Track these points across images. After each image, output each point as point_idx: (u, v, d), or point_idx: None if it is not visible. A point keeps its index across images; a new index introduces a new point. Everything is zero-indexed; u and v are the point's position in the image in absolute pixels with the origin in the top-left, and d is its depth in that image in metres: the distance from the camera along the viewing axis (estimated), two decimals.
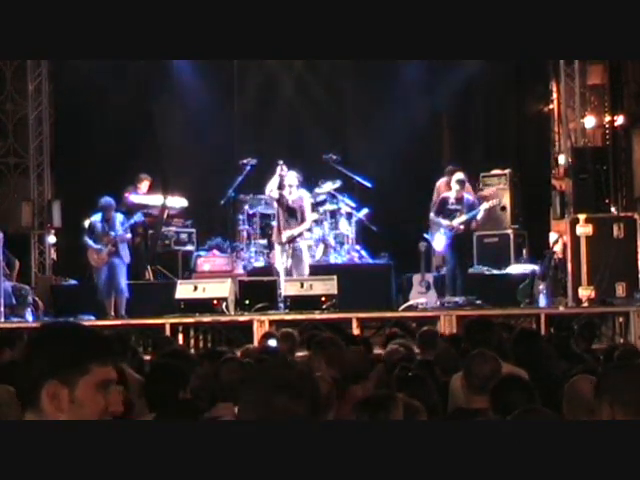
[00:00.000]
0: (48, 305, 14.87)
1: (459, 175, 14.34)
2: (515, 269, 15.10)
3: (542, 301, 13.70)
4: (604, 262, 13.23)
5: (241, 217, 15.66)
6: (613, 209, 14.87)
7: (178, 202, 16.18)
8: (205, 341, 12.95)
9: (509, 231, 15.69)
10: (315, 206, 14.75)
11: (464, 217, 14.08)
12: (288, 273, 13.56)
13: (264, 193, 14.39)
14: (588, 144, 14.98)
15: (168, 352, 7.19)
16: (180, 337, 12.59)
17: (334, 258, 15.12)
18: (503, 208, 15.86)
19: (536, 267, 14.49)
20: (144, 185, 15.85)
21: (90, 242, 13.92)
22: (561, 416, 4.62)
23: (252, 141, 16.62)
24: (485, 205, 14.36)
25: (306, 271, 13.69)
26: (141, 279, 15.33)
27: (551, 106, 16.56)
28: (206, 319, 12.84)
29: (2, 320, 13.38)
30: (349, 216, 15.32)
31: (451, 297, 13.67)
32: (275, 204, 13.94)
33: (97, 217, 14.02)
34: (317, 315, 12.64)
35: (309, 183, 14.85)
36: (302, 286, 13.13)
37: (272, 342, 9.23)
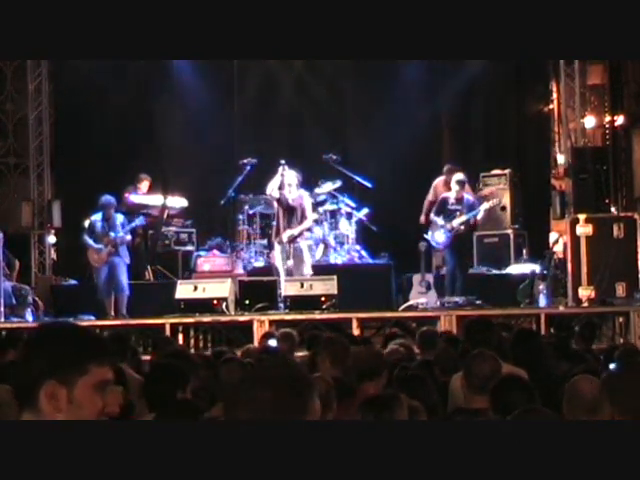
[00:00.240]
0: (48, 305, 14.86)
1: (459, 175, 14.34)
2: (515, 269, 15.10)
3: (542, 301, 13.69)
4: (604, 262, 13.23)
5: (241, 217, 15.66)
6: (613, 209, 14.87)
7: (178, 202, 16.18)
8: (205, 341, 12.95)
9: (509, 231, 15.69)
10: (315, 206, 14.74)
11: (464, 217, 14.08)
12: (289, 273, 13.55)
13: (264, 193, 14.38)
14: (588, 144, 14.98)
15: (169, 352, 7.19)
16: (180, 337, 12.59)
17: (334, 258, 15.12)
18: (503, 208, 15.85)
19: (536, 267, 14.49)
20: (144, 185, 15.86)
21: (90, 242, 13.92)
22: (561, 416, 4.62)
23: (252, 141, 16.62)
24: (485, 205, 14.35)
25: (307, 271, 13.68)
26: (141, 279, 15.33)
27: (551, 106, 16.56)
28: (206, 319, 12.84)
29: (2, 320, 13.38)
30: (349, 216, 15.32)
31: (451, 297, 13.67)
32: (275, 204, 13.93)
33: (97, 217, 14.02)
34: (317, 315, 12.64)
35: (309, 183, 14.84)
36: (302, 286, 13.12)
37: (272, 342, 9.24)
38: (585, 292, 13.32)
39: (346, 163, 15.80)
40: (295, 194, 13.68)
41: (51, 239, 16.20)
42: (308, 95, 17.27)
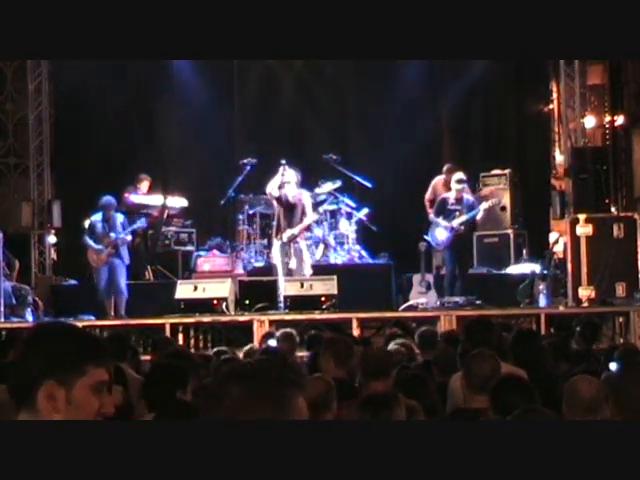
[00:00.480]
0: (48, 305, 14.86)
1: (459, 175, 14.32)
2: (515, 269, 15.10)
3: (542, 301, 13.69)
4: (604, 262, 13.23)
5: (241, 217, 15.66)
6: (613, 209, 14.87)
7: (178, 202, 16.18)
8: (205, 341, 12.95)
9: (509, 231, 15.70)
10: (315, 206, 14.73)
11: (464, 217, 14.06)
12: (289, 273, 13.55)
13: (264, 193, 14.37)
14: (588, 144, 14.98)
15: (169, 352, 7.19)
16: (180, 337, 12.59)
17: (334, 258, 15.12)
18: (503, 208, 15.86)
19: (536, 267, 14.49)
20: (144, 185, 15.86)
21: (90, 242, 13.91)
22: (560, 416, 4.62)
23: (252, 141, 16.62)
24: (484, 205, 14.35)
25: (307, 271, 13.67)
26: (141, 279, 15.33)
27: (551, 106, 16.56)
28: (206, 319, 12.84)
29: (2, 320, 13.38)
30: (349, 216, 15.32)
31: (451, 297, 13.67)
32: (275, 202, 13.90)
33: (97, 217, 14.01)
34: (317, 315, 12.64)
35: (309, 183, 14.84)
36: (302, 286, 13.12)
37: (272, 342, 9.24)
38: (585, 292, 13.32)
39: (346, 163, 15.80)
40: (295, 192, 13.66)
41: (51, 239, 16.19)
42: (308, 95, 17.27)
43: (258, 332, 12.00)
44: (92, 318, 13.38)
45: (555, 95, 16.27)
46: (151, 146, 16.96)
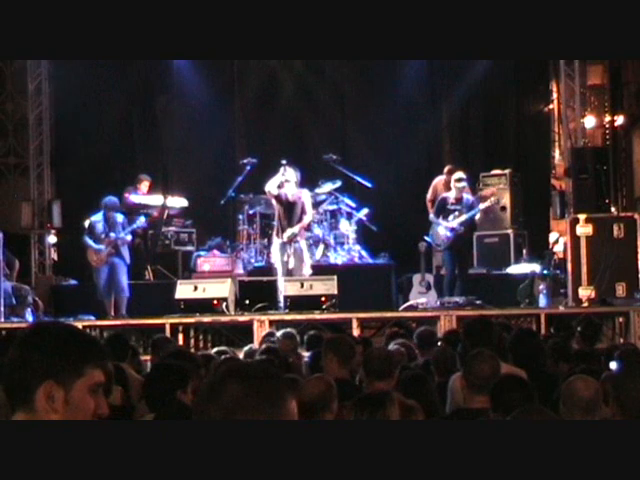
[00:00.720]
0: (48, 305, 14.86)
1: (458, 174, 14.31)
2: (515, 269, 15.10)
3: (542, 301, 13.69)
4: (604, 262, 13.22)
5: (241, 217, 15.66)
6: (613, 209, 14.87)
7: (178, 202, 16.18)
8: (205, 341, 12.95)
9: (509, 231, 15.70)
10: (315, 206, 14.73)
11: (464, 217, 14.05)
12: (289, 273, 13.54)
13: (264, 193, 14.36)
14: (588, 144, 14.99)
15: (169, 352, 7.19)
16: (180, 337, 12.58)
17: (334, 258, 15.12)
18: (503, 208, 15.86)
19: (536, 267, 14.49)
20: (144, 186, 15.85)
21: (90, 242, 13.90)
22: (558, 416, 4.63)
23: (252, 141, 16.63)
24: (482, 205, 14.34)
25: (307, 270, 13.66)
26: (141, 279, 15.33)
27: (551, 106, 16.57)
28: (206, 319, 12.83)
29: (2, 320, 13.37)
30: (349, 216, 15.31)
31: (451, 297, 13.66)
32: (274, 201, 13.85)
33: (97, 217, 14.00)
34: (317, 315, 12.63)
35: (309, 183, 14.84)
36: (302, 286, 13.11)
37: (272, 342, 9.24)
38: (585, 292, 13.32)
39: (346, 163, 15.80)
40: (294, 190, 13.63)
41: (51, 239, 16.20)
42: (308, 95, 17.28)
43: (258, 332, 12.00)
44: (92, 318, 13.37)
45: (555, 95, 16.28)
46: (151, 146, 16.97)
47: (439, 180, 15.32)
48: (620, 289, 13.27)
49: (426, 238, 14.40)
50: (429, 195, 15.25)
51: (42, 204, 16.02)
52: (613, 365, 6.88)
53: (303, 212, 13.63)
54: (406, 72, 16.40)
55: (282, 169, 13.62)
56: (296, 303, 12.90)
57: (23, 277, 14.92)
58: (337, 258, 15.13)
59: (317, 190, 15.19)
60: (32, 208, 15.85)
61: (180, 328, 12.73)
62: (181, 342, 12.23)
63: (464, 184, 14.21)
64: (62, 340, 2.51)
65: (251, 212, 15.57)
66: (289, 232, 13.50)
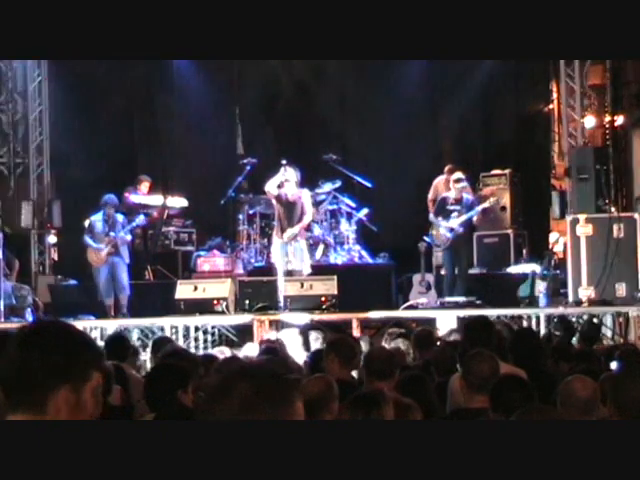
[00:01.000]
0: (48, 305, 14.86)
1: (457, 174, 14.30)
2: (515, 269, 15.09)
3: (542, 301, 13.68)
4: (604, 262, 13.22)
5: (241, 217, 15.66)
6: (613, 209, 14.86)
7: (178, 202, 16.19)
8: (205, 341, 12.95)
9: (509, 231, 15.69)
10: (315, 206, 14.72)
11: (463, 217, 14.05)
12: (289, 273, 13.54)
13: (264, 193, 14.36)
14: (588, 144, 14.99)
15: (169, 352, 7.20)
16: (180, 337, 12.59)
17: (334, 258, 15.12)
18: (503, 208, 15.85)
19: (536, 267, 14.48)
20: (144, 186, 15.86)
21: (90, 242, 13.91)
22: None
23: (252, 141, 16.62)
24: (483, 205, 14.33)
25: (306, 270, 13.65)
26: (141, 279, 15.32)
27: (551, 106, 16.56)
28: (206, 319, 12.84)
29: (2, 320, 13.37)
30: (349, 216, 15.32)
31: (451, 297, 13.66)
32: (274, 201, 13.84)
33: (97, 217, 14.01)
34: (317, 315, 12.63)
35: (309, 183, 14.83)
36: (302, 286, 13.11)
37: (272, 342, 9.24)
38: (585, 292, 13.31)
39: (346, 163, 15.80)
40: (294, 190, 13.62)
41: (51, 239, 16.20)
42: (308, 95, 17.27)
43: (258, 332, 12.00)
44: (92, 318, 13.38)
45: (555, 95, 16.26)
46: (151, 146, 16.97)
47: (440, 180, 15.32)
48: (620, 289, 13.26)
49: (426, 238, 14.40)
50: (430, 195, 15.26)
51: (42, 204, 16.02)
52: (613, 365, 6.89)
53: (303, 212, 13.63)
54: (406, 72, 16.39)
55: (282, 169, 13.61)
56: (296, 303, 12.91)
57: (23, 277, 14.92)
58: (337, 258, 15.14)
59: (317, 190, 15.19)
60: (32, 208, 15.85)
61: (180, 328, 12.74)
62: (181, 342, 12.24)
63: (463, 184, 14.20)
64: (72, 345, 2.51)
65: (251, 212, 15.58)
66: (289, 232, 13.49)
